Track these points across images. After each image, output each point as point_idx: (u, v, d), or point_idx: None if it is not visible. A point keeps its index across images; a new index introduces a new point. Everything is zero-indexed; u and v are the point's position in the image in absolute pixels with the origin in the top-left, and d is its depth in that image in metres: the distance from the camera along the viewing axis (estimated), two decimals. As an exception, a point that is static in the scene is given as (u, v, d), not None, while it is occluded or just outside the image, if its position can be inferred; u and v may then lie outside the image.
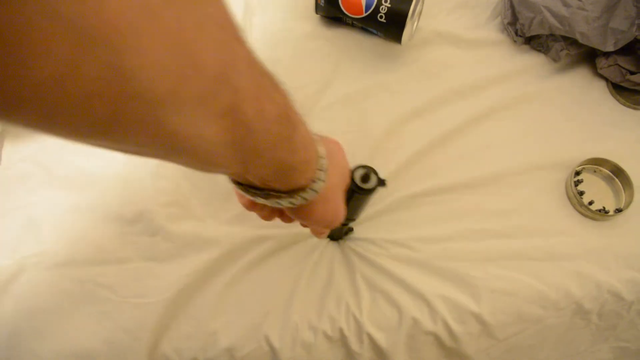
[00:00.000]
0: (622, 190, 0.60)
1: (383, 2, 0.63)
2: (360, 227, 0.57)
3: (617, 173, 0.60)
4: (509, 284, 0.53)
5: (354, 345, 0.52)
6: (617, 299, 0.54)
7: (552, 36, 0.67)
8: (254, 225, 0.55)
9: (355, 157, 0.58)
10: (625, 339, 0.58)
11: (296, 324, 0.51)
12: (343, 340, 0.52)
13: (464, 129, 0.63)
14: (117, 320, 0.51)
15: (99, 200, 0.57)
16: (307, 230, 0.55)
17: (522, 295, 0.53)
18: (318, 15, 0.71)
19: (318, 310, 0.52)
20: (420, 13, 0.67)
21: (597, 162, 0.60)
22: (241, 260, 0.54)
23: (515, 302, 0.53)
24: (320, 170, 0.31)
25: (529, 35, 0.67)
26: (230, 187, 0.33)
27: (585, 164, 0.60)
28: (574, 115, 0.65)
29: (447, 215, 0.57)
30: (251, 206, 0.38)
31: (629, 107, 0.65)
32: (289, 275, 0.54)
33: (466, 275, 0.53)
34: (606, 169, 0.60)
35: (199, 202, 0.58)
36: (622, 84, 0.65)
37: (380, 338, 0.52)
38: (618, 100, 0.66)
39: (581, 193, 0.58)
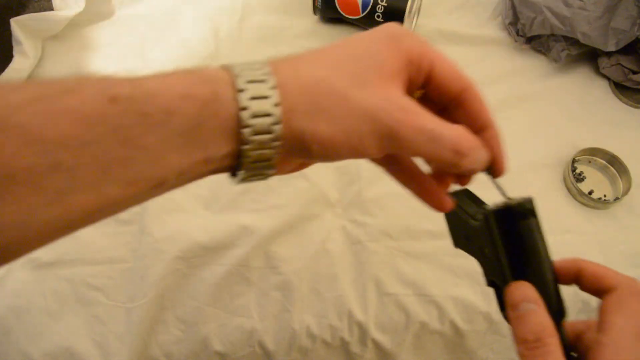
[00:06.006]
0: (619, 178, 0.59)
1: (379, 1, 0.63)
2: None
3: (612, 161, 0.60)
4: (518, 282, 0.52)
5: (356, 348, 0.50)
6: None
7: (554, 36, 0.66)
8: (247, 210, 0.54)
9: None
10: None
11: (294, 331, 0.49)
12: (344, 346, 0.50)
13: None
14: (108, 324, 0.49)
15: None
16: (304, 213, 0.54)
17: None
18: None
19: (318, 316, 0.50)
20: (419, 10, 0.67)
21: (592, 152, 0.60)
22: (229, 257, 0.52)
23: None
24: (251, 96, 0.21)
25: (530, 35, 0.67)
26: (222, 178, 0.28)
27: (580, 155, 0.60)
28: (576, 114, 0.64)
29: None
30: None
31: (631, 106, 0.65)
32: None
33: (475, 272, 0.51)
34: (600, 158, 0.60)
35: (192, 197, 0.56)
36: (625, 84, 0.65)
37: (385, 340, 0.50)
38: (620, 99, 0.66)
39: (578, 179, 0.58)
